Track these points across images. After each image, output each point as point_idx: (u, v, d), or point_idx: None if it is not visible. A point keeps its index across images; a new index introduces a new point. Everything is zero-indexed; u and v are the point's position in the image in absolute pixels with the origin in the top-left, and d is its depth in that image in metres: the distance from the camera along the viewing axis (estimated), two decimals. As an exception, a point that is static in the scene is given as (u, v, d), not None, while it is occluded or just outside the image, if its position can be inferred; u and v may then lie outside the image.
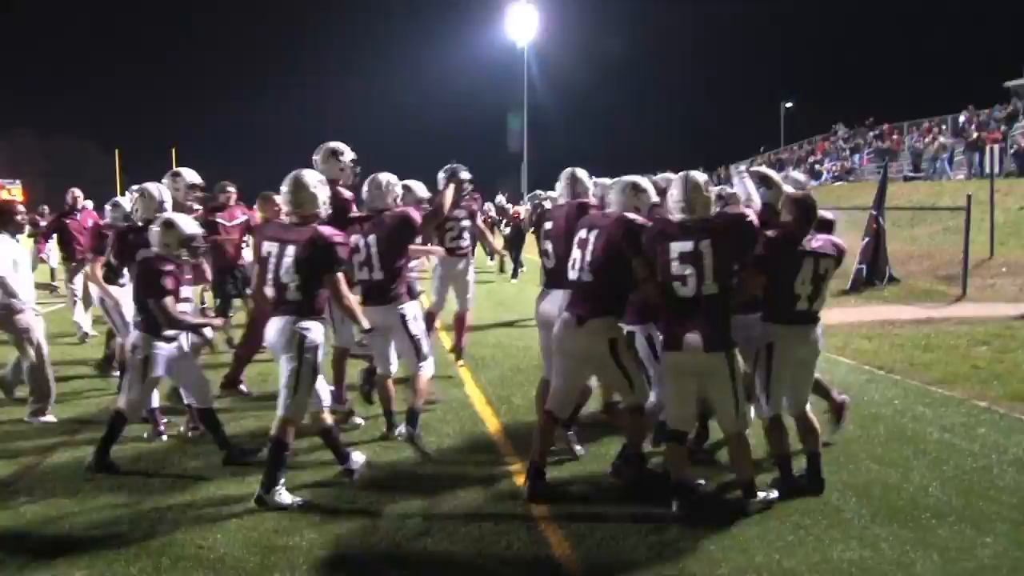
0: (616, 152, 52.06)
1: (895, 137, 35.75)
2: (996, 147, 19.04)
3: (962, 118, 31.73)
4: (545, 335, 5.52)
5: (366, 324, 5.00)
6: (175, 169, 6.86)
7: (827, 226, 5.14)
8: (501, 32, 45.12)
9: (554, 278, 5.44)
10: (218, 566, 3.93)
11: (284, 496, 4.66)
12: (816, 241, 4.72)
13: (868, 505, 4.63)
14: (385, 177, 5.95)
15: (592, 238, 4.73)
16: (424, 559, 4.03)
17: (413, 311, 5.89)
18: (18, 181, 45.91)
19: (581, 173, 5.62)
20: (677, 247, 4.36)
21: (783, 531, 4.29)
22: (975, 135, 27.65)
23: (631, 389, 4.84)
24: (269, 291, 4.82)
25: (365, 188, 5.98)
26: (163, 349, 5.27)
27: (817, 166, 38.38)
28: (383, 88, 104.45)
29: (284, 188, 4.89)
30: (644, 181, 4.91)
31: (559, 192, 5.66)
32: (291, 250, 4.71)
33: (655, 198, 4.93)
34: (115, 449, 5.31)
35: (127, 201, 6.74)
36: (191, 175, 6.79)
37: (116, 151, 36.37)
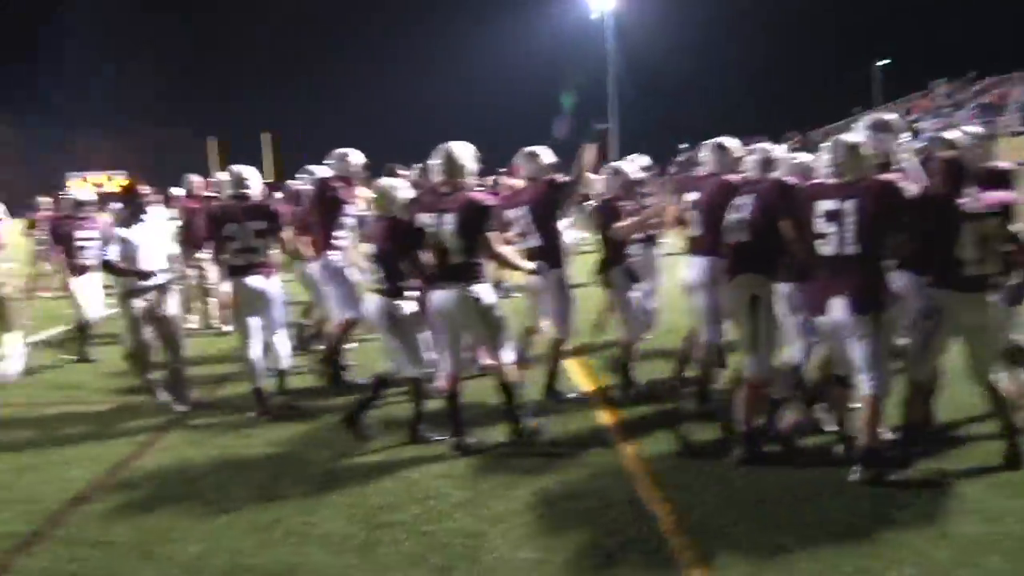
0: (697, 121, 50.86)
1: (1001, 91, 34.05)
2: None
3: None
4: (691, 300, 5.72)
5: (530, 265, 5.57)
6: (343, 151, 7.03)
7: (999, 179, 4.81)
8: (574, 3, 44.62)
9: (697, 246, 5.57)
10: (324, 540, 4.00)
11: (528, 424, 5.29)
12: (976, 200, 4.42)
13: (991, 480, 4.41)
14: (533, 149, 6.24)
15: (749, 201, 4.89)
16: (529, 534, 4.01)
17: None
18: (124, 172, 47.95)
19: (730, 143, 5.59)
20: (823, 205, 4.42)
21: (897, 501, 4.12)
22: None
23: (753, 352, 4.84)
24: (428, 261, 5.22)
25: (519, 159, 6.33)
26: (405, 308, 5.32)
27: (915, 125, 36.90)
28: (465, 63, 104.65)
29: (436, 160, 5.31)
30: (729, 141, 5.43)
31: (705, 161, 5.69)
32: (449, 218, 5.04)
33: (741, 152, 5.38)
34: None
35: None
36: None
37: (210, 140, 37.28)
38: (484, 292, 5.16)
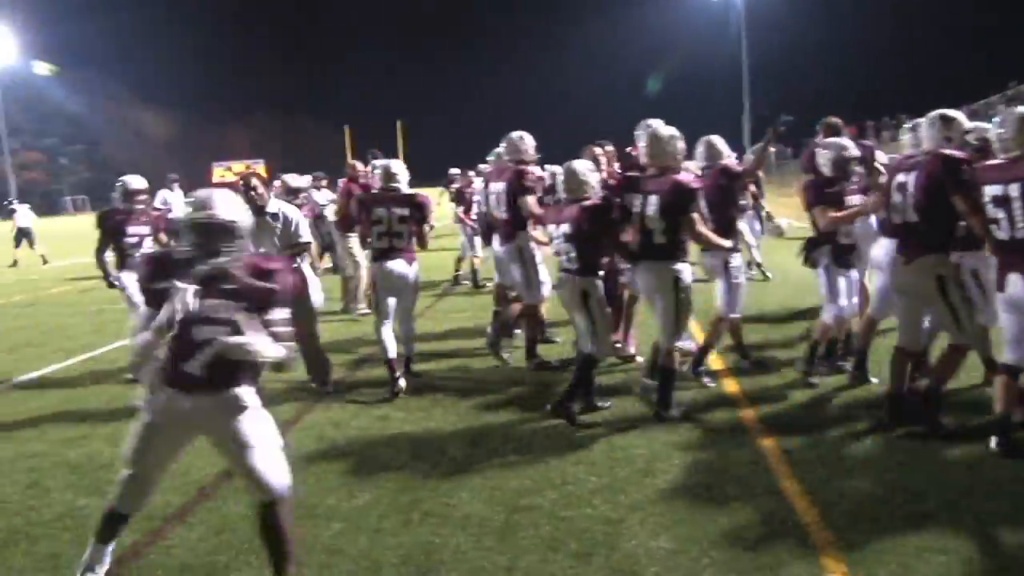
0: (845, 97, 48.72)
1: None
2: None
3: None
4: (877, 278, 6.11)
5: (727, 243, 5.76)
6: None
7: None
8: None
9: (886, 227, 5.64)
10: (464, 523, 4.04)
11: (674, 411, 5.41)
12: None
13: None
14: (710, 137, 6.57)
15: (911, 180, 4.77)
16: (667, 523, 3.93)
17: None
18: (262, 161, 50.04)
19: (954, 113, 4.95)
20: (990, 191, 4.40)
21: None
22: None
23: (958, 328, 4.77)
24: (634, 239, 5.51)
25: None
26: (599, 287, 5.53)
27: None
28: (594, 50, 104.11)
29: (642, 143, 5.66)
30: (952, 112, 4.85)
31: (916, 141, 5.35)
32: (654, 199, 5.31)
33: (968, 124, 4.92)
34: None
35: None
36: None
37: (346, 129, 38.46)
38: (685, 272, 5.38)
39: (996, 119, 4.43)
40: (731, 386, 6.16)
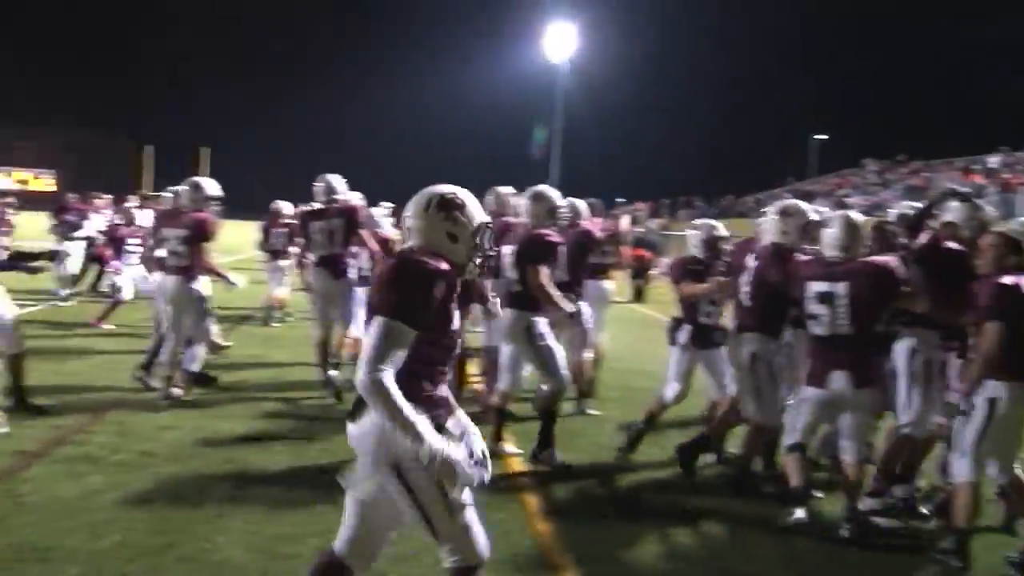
0: (638, 174, 51.54)
1: (926, 175, 35.51)
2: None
3: (994, 160, 31.40)
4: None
5: (569, 306, 5.68)
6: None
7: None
8: (539, 49, 45.32)
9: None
10: (219, 569, 3.85)
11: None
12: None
13: None
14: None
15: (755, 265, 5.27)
16: (432, 574, 3.92)
17: None
18: (53, 171, 46.58)
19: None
20: (815, 287, 4.66)
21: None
22: (1006, 178, 27.33)
23: (757, 408, 5.26)
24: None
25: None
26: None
27: (845, 199, 38.09)
28: (420, 96, 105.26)
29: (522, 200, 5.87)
30: (801, 204, 5.29)
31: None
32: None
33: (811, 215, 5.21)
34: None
35: None
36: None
37: (144, 148, 36.50)
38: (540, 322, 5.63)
39: (830, 221, 4.80)
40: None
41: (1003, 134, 37.52)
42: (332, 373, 7.25)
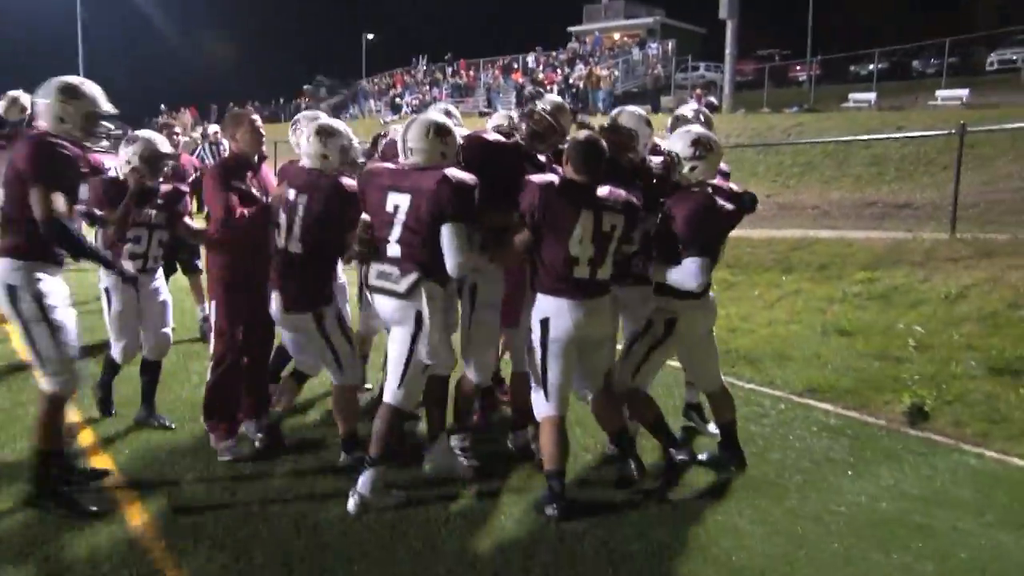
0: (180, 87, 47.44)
1: (471, 73, 38.75)
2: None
3: (531, 59, 35.74)
4: None
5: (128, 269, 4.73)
6: None
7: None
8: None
9: None
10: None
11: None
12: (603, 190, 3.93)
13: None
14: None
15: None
16: None
17: None
18: None
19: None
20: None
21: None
22: (540, 74, 31.62)
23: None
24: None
25: None
26: None
27: (398, 99, 39.84)
28: None
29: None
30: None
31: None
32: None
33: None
34: None
35: None
36: None
37: None
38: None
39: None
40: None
41: (538, 35, 42.33)
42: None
